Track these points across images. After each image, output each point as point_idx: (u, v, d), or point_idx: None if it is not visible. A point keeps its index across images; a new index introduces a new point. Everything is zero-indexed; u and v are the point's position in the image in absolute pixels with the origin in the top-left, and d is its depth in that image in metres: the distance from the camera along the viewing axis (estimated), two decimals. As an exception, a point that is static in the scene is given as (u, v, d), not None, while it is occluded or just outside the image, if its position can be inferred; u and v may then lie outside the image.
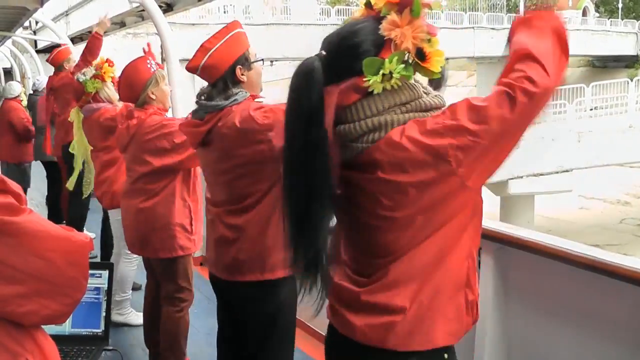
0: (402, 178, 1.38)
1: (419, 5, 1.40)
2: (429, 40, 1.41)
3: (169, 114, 3.40)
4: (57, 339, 1.45)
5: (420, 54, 1.42)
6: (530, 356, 2.53)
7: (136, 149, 3.12)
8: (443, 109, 1.42)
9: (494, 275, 2.57)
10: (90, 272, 1.52)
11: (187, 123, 2.44)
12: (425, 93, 1.48)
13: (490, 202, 17.67)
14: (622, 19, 35.52)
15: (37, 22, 12.95)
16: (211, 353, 2.73)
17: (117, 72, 4.30)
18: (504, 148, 1.39)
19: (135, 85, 3.15)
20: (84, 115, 4.12)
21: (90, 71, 4.18)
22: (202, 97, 2.37)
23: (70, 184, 4.76)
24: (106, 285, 2.11)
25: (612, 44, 31.52)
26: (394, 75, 1.41)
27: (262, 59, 2.49)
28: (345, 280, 1.54)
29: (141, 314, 4.11)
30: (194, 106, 2.43)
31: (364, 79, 1.41)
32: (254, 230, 2.32)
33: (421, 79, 1.51)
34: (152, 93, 3.14)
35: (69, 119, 4.63)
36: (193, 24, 21.24)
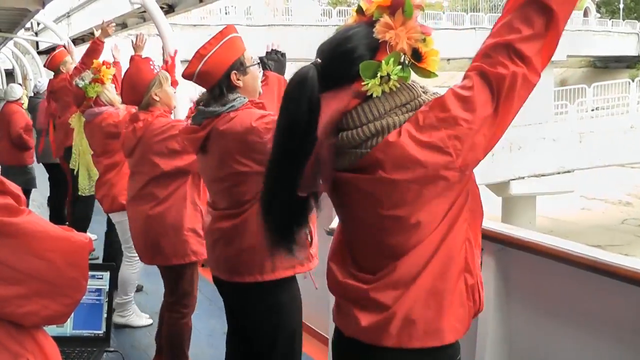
0: (404, 176, 1.39)
1: (411, 5, 1.40)
2: (424, 40, 1.42)
3: (171, 116, 3.39)
4: (59, 340, 1.45)
5: (416, 55, 1.42)
6: (531, 357, 2.53)
7: (144, 152, 3.07)
8: (429, 103, 1.42)
9: (495, 276, 2.57)
10: (92, 273, 1.52)
11: (186, 129, 2.44)
12: (423, 92, 1.49)
13: (491, 203, 17.66)
14: (624, 20, 35.49)
15: (38, 24, 12.97)
16: (212, 354, 2.74)
17: (122, 71, 4.32)
18: (496, 130, 1.40)
19: (138, 86, 3.12)
20: (86, 119, 4.11)
21: (88, 75, 4.17)
22: (201, 103, 2.38)
23: (82, 190, 4.73)
24: (107, 287, 2.10)
25: (614, 45, 31.48)
26: (391, 77, 1.41)
27: (259, 62, 2.49)
28: (350, 278, 1.54)
29: (143, 315, 4.12)
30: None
31: (363, 83, 1.41)
32: (252, 232, 2.32)
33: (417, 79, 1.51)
34: (156, 94, 3.12)
35: (70, 124, 4.64)
36: (194, 25, 21.28)
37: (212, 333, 3.66)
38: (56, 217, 6.35)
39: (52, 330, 1.40)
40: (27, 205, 1.31)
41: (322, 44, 1.50)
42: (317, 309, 2.30)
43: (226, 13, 25.60)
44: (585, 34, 28.60)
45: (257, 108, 2.35)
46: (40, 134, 6.62)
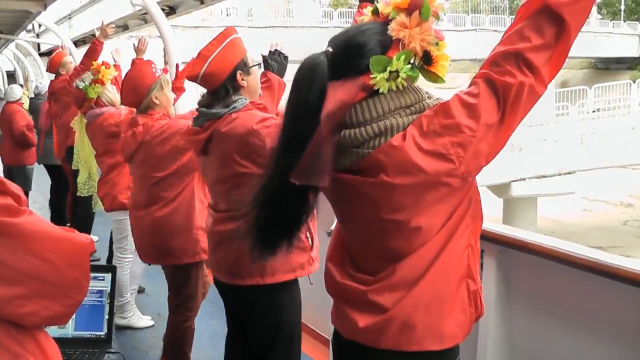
0: (405, 181, 1.38)
1: (429, 8, 1.40)
2: (436, 44, 1.42)
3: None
4: (60, 341, 1.45)
5: (427, 57, 1.42)
6: (532, 358, 2.53)
7: (148, 155, 3.05)
8: (433, 107, 1.42)
9: (496, 277, 2.57)
10: (93, 274, 1.52)
11: (188, 131, 2.44)
12: (427, 97, 1.49)
13: (492, 205, 17.64)
14: (625, 21, 35.46)
15: (40, 25, 12.99)
16: (214, 355, 2.74)
17: (123, 74, 4.33)
18: (500, 139, 1.40)
19: (139, 89, 3.11)
20: (88, 120, 4.12)
21: (88, 77, 4.18)
22: (202, 105, 2.37)
23: (81, 191, 4.74)
24: (109, 288, 2.11)
25: (615, 46, 31.46)
26: (400, 74, 1.41)
27: (260, 63, 2.48)
28: (349, 279, 1.54)
29: (144, 316, 4.13)
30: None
31: (371, 76, 1.41)
32: None
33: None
34: (156, 98, 3.11)
35: (71, 126, 4.65)
36: (196, 27, 21.26)
37: (214, 334, 3.67)
38: (57, 218, 6.36)
39: (53, 331, 1.40)
40: (28, 206, 1.31)
41: (335, 35, 1.50)
42: (318, 310, 2.30)
43: (227, 15, 25.60)
44: (587, 36, 28.57)
45: (258, 109, 2.35)
46: (40, 135, 6.63)
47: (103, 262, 4.66)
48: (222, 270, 2.44)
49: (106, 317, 2.10)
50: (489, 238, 2.54)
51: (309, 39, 21.08)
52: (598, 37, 29.96)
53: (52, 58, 6.25)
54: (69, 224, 5.88)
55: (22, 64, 17.26)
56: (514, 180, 17.74)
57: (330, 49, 1.46)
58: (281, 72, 2.86)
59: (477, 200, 1.51)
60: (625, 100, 22.18)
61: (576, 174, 18.75)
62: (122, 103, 3.55)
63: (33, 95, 7.79)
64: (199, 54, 2.32)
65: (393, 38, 1.42)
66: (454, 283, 1.47)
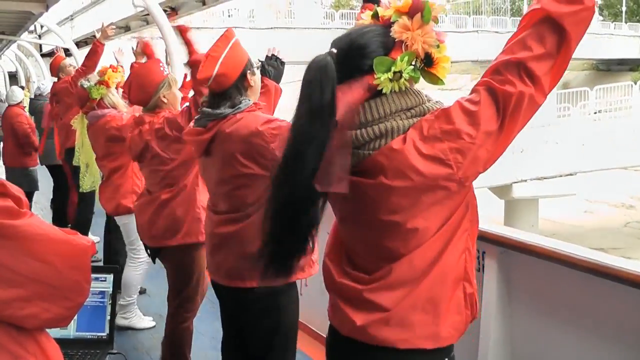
0: (403, 183, 1.40)
1: (430, 11, 1.42)
2: (438, 46, 1.44)
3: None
4: (62, 342, 1.46)
5: (429, 59, 1.44)
6: (533, 359, 2.53)
7: (157, 152, 3.04)
8: (435, 112, 1.44)
9: (497, 278, 2.58)
10: (95, 275, 1.53)
11: (190, 131, 2.41)
12: (427, 100, 1.50)
13: (494, 206, 17.65)
14: (626, 22, 35.47)
15: (42, 26, 13.02)
16: (215, 356, 2.74)
17: (125, 75, 4.34)
18: (499, 146, 1.42)
19: (148, 87, 3.11)
20: (89, 121, 4.11)
21: (94, 77, 4.18)
22: (207, 105, 2.36)
23: (83, 185, 4.72)
24: (111, 289, 2.11)
25: (616, 48, 31.49)
26: (403, 75, 1.43)
27: (261, 64, 2.48)
28: (346, 277, 1.56)
29: (145, 317, 4.13)
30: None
31: (375, 76, 1.43)
32: (253, 237, 2.31)
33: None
34: (164, 96, 3.11)
35: (72, 126, 4.64)
36: (197, 28, 21.29)
37: (215, 335, 3.66)
38: (59, 218, 6.37)
39: (55, 332, 1.40)
40: (30, 208, 1.31)
41: (337, 38, 1.51)
42: (316, 309, 2.30)
43: (229, 16, 25.65)
44: (588, 37, 28.42)
45: (260, 110, 2.35)
46: (42, 136, 6.64)
47: (103, 263, 4.67)
48: (221, 272, 2.44)
49: (108, 317, 2.10)
50: (490, 240, 2.54)
51: (310, 40, 21.09)
52: (599, 38, 29.99)
53: (51, 63, 6.30)
54: (70, 225, 5.90)
55: (24, 65, 17.30)
56: (515, 182, 17.75)
57: (335, 50, 1.47)
58: (277, 78, 2.87)
59: (474, 205, 1.54)
60: (627, 102, 22.14)
61: (577, 176, 18.74)
62: (130, 101, 3.54)
63: (32, 97, 7.81)
64: (207, 55, 2.30)
65: (396, 40, 1.44)
66: (451, 285, 1.50)
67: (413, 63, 1.45)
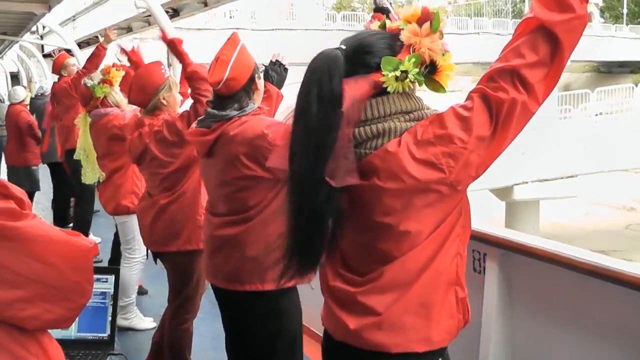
0: (395, 186, 1.42)
1: (439, 21, 1.45)
2: (443, 55, 1.47)
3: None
4: (63, 343, 1.46)
5: (433, 66, 1.47)
6: (534, 362, 2.53)
7: (155, 155, 3.04)
8: (430, 117, 1.46)
9: (498, 281, 2.58)
10: (96, 276, 1.52)
11: (194, 132, 2.41)
12: (426, 107, 1.53)
13: (495, 208, 17.65)
14: (627, 25, 35.46)
15: (44, 27, 13.03)
16: (216, 357, 2.74)
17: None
18: (492, 152, 1.44)
19: (148, 88, 3.11)
20: (92, 120, 4.12)
21: (97, 76, 4.19)
22: (213, 107, 2.35)
23: (86, 178, 4.70)
24: (112, 290, 2.11)
25: (617, 50, 31.47)
26: (408, 75, 1.45)
27: (265, 67, 2.48)
28: (339, 280, 1.56)
29: (146, 318, 4.13)
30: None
31: (383, 73, 1.45)
32: (253, 240, 2.31)
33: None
34: (164, 99, 3.11)
35: (75, 123, 4.65)
36: (199, 29, 21.30)
37: (216, 336, 3.66)
38: (60, 218, 6.38)
39: (56, 333, 1.40)
40: (32, 210, 1.31)
41: (346, 37, 1.54)
42: (318, 312, 2.30)
43: (231, 17, 25.66)
44: (589, 39, 28.56)
45: (264, 114, 2.36)
46: (44, 134, 6.66)
47: (105, 263, 4.67)
48: (220, 275, 2.43)
49: (109, 318, 2.10)
50: (491, 242, 2.54)
51: (311, 42, 21.08)
52: (600, 40, 29.97)
53: (55, 60, 6.31)
54: (71, 225, 5.90)
55: (26, 66, 17.32)
56: (517, 184, 17.73)
57: (344, 47, 1.49)
58: (280, 84, 2.88)
59: (467, 210, 1.55)
60: (628, 104, 22.12)
61: (579, 178, 18.73)
62: (129, 101, 3.54)
63: (33, 96, 7.83)
64: (217, 60, 2.29)
65: (404, 44, 1.46)
66: (443, 289, 1.51)
67: (418, 68, 1.47)
